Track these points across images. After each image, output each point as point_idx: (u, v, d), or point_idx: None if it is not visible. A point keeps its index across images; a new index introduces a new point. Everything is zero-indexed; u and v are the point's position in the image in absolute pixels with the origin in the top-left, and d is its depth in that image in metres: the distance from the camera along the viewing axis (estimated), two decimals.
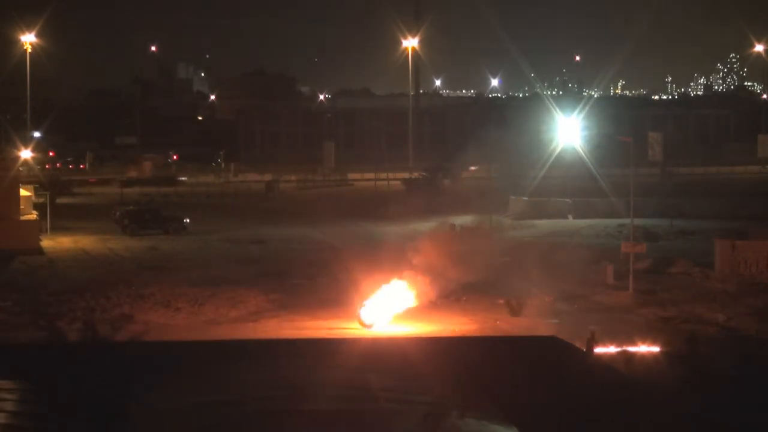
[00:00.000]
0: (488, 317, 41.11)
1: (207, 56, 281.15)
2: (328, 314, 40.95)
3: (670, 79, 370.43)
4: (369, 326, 38.71)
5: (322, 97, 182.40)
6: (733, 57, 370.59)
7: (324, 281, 46.91)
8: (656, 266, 50.90)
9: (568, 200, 74.32)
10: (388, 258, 42.40)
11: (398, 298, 39.76)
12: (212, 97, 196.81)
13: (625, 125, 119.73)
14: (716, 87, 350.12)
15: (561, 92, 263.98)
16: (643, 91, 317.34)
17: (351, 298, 40.25)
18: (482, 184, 72.49)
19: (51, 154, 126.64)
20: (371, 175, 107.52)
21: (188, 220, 67.85)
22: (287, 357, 22.06)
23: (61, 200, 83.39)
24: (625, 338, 31.78)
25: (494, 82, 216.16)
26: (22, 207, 62.81)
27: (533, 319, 40.29)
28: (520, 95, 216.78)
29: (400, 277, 39.94)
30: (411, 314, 40.03)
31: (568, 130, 69.26)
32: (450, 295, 42.74)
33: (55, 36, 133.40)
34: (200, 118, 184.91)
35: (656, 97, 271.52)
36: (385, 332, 37.94)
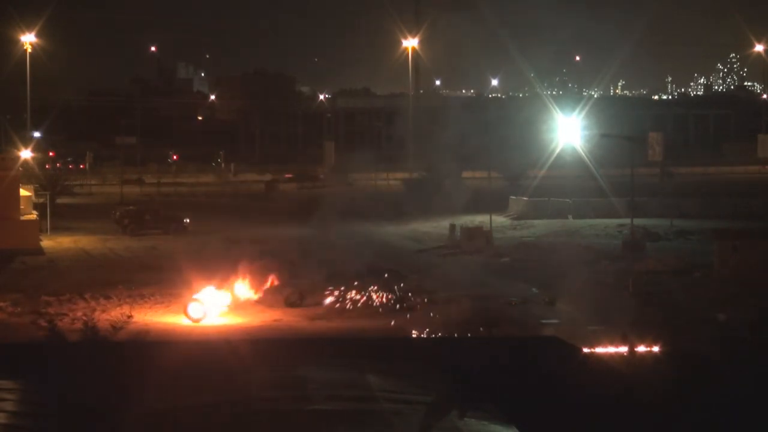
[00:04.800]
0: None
1: (207, 56, 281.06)
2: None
3: (670, 79, 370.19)
4: (197, 320, 40.25)
5: (322, 97, 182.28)
6: (733, 57, 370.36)
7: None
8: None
9: (568, 200, 74.32)
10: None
11: (224, 295, 42.20)
12: (212, 97, 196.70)
13: (625, 125, 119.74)
14: (716, 87, 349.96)
15: (561, 92, 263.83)
16: (643, 91, 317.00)
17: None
18: (482, 184, 72.55)
19: (51, 154, 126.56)
20: (371, 175, 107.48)
21: (188, 220, 67.85)
22: (287, 356, 22.06)
23: (61, 200, 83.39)
24: (625, 338, 31.74)
25: (494, 82, 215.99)
26: (22, 207, 62.87)
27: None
28: (520, 95, 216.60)
29: (233, 277, 42.86)
30: (234, 309, 42.23)
31: (568, 130, 69.29)
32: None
33: (55, 36, 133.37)
34: (200, 118, 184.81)
35: (656, 97, 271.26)
36: (212, 324, 39.90)
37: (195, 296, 41.27)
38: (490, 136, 77.02)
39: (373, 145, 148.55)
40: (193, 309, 40.67)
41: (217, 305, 41.72)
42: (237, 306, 42.65)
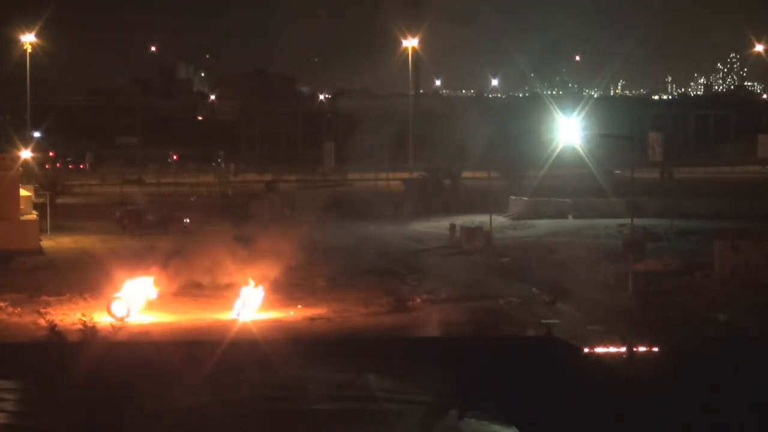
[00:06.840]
0: None
1: (207, 56, 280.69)
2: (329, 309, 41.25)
3: (670, 79, 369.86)
4: (120, 319, 39.38)
5: (322, 97, 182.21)
6: (733, 57, 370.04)
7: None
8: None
9: (568, 200, 74.29)
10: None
11: (143, 292, 41.57)
12: (212, 97, 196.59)
13: (625, 125, 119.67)
14: (716, 87, 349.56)
15: (561, 92, 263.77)
16: (643, 91, 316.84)
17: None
18: (482, 184, 72.55)
19: (51, 154, 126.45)
20: (371, 175, 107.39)
21: (188, 220, 67.80)
22: (287, 356, 22.06)
23: (61, 200, 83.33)
24: (624, 338, 31.74)
25: (494, 82, 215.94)
26: (22, 207, 62.81)
27: None
28: (520, 95, 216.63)
29: (148, 273, 42.44)
30: (155, 305, 41.77)
31: (568, 130, 69.23)
32: None
33: (55, 36, 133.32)
34: (200, 118, 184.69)
35: (656, 97, 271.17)
36: (135, 322, 39.06)
37: (117, 294, 40.83)
38: (490, 136, 77.05)
39: (373, 145, 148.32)
40: (117, 307, 40.17)
41: (141, 301, 41.01)
42: (164, 301, 42.25)
